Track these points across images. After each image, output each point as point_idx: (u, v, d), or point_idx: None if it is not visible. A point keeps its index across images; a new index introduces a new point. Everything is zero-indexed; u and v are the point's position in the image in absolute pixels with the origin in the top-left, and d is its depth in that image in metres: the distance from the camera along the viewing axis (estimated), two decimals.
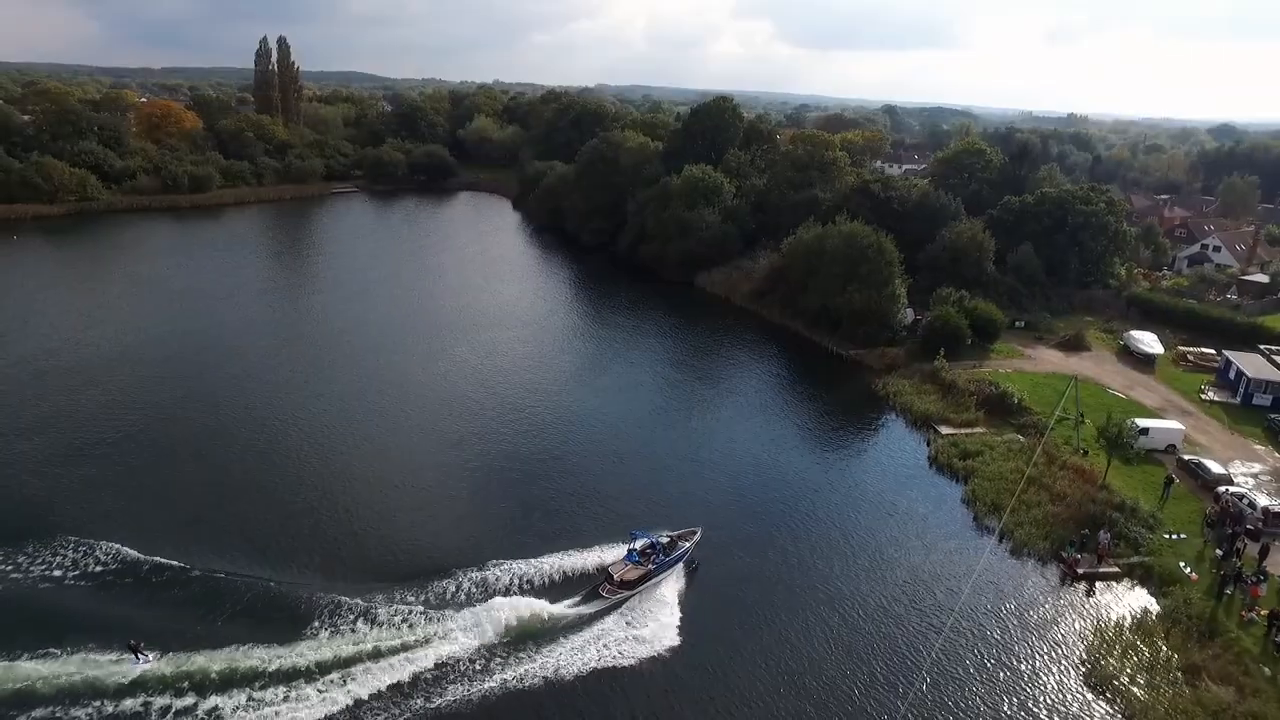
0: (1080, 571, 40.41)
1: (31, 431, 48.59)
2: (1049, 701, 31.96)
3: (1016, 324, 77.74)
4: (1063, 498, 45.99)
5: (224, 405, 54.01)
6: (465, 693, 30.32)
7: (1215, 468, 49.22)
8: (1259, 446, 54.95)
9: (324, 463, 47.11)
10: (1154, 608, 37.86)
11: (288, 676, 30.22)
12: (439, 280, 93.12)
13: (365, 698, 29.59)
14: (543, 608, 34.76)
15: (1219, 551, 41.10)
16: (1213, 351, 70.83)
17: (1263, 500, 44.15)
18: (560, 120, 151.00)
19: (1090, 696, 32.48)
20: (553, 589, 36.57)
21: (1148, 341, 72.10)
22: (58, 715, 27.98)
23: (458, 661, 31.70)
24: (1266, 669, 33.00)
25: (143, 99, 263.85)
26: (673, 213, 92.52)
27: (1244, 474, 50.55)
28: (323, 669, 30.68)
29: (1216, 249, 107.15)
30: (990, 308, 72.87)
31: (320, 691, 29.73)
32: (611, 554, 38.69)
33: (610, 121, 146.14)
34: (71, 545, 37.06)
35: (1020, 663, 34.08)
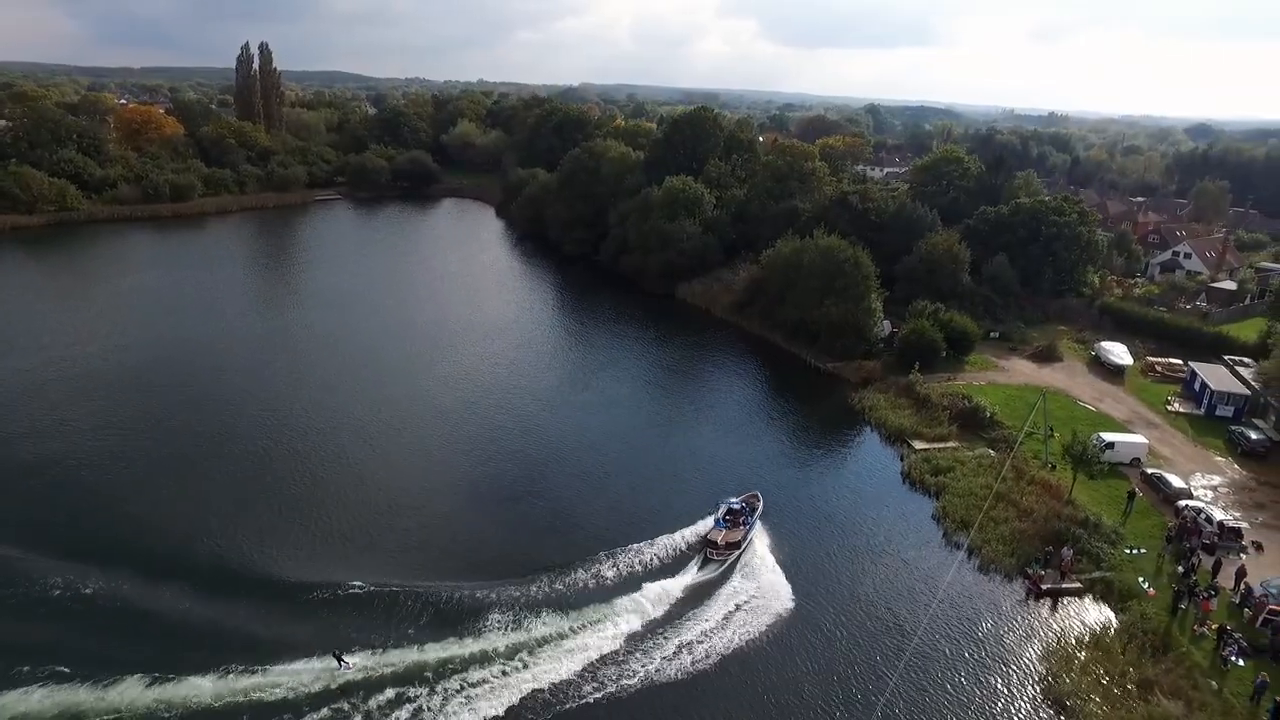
0: (1044, 588, 41.75)
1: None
2: (1009, 717, 33.22)
3: (991, 335, 79.22)
4: (1029, 514, 47.34)
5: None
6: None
7: (1176, 481, 50.76)
8: (1220, 458, 56.59)
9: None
10: (1113, 623, 39.25)
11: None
12: (423, 293, 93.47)
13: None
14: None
15: (1179, 567, 42.59)
16: (1180, 362, 72.51)
17: (1218, 515, 45.67)
18: (543, 126, 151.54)
19: (1049, 713, 33.78)
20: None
21: (1117, 353, 73.73)
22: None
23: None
24: (1214, 682, 34.46)
25: (122, 100, 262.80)
26: (653, 224, 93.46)
27: (1204, 486, 52.15)
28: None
29: (1187, 256, 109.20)
30: (964, 320, 74.26)
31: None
32: (680, 531, 44.76)
33: (593, 129, 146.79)
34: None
35: (982, 680, 35.33)
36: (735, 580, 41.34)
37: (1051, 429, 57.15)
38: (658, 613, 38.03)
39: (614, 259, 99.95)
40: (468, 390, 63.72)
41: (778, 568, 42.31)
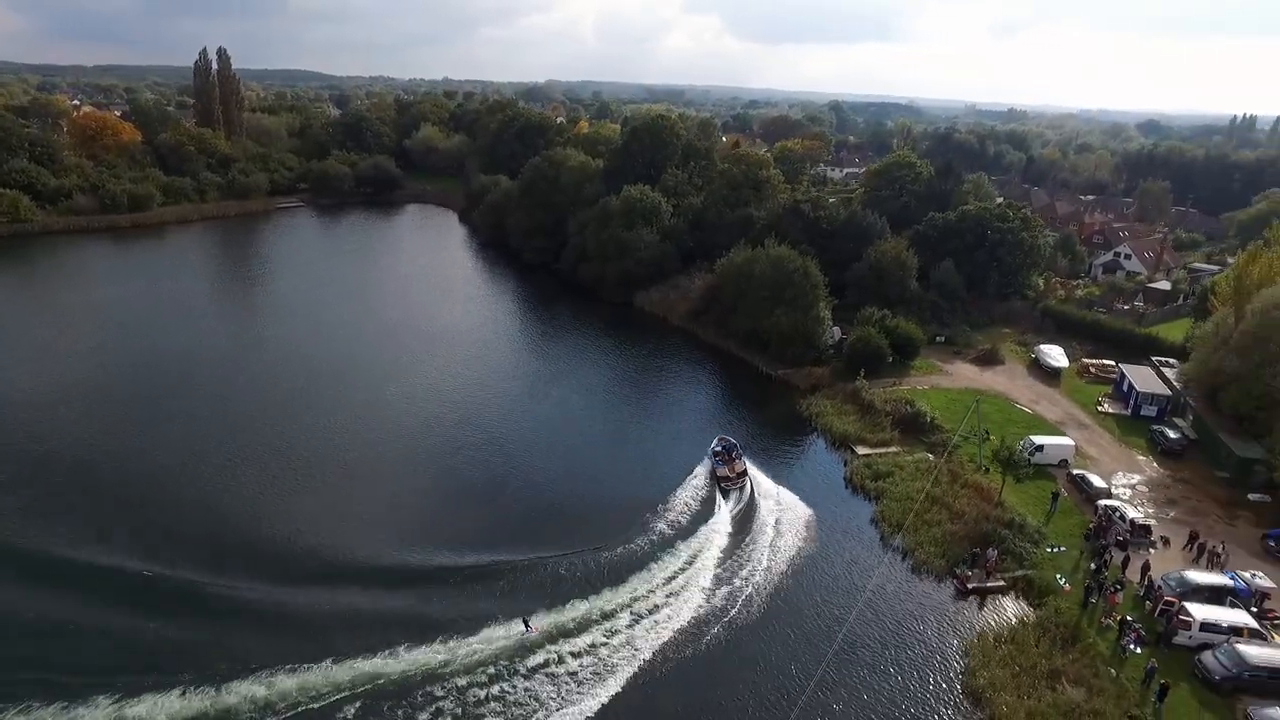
0: (970, 587, 44.59)
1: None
2: (927, 712, 35.90)
3: (938, 339, 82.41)
4: (961, 516, 50.16)
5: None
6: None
7: (1097, 481, 54.03)
8: (1141, 458, 60.08)
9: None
10: (1030, 618, 42.17)
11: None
12: (386, 303, 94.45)
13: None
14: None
15: (1092, 563, 45.69)
16: (1112, 364, 76.18)
17: (1131, 513, 48.94)
18: (506, 131, 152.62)
19: (967, 706, 36.51)
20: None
21: (1054, 355, 77.28)
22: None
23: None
24: (1113, 670, 37.48)
25: (75, 101, 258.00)
26: (612, 233, 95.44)
27: (1124, 485, 55.53)
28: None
29: (1127, 256, 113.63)
30: (910, 326, 77.26)
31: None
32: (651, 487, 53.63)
33: (554, 135, 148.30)
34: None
35: (906, 677, 37.97)
36: (761, 506, 52.34)
37: (987, 432, 60.13)
38: (725, 541, 47.91)
39: (573, 268, 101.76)
40: (436, 404, 65.39)
41: (778, 485, 54.12)
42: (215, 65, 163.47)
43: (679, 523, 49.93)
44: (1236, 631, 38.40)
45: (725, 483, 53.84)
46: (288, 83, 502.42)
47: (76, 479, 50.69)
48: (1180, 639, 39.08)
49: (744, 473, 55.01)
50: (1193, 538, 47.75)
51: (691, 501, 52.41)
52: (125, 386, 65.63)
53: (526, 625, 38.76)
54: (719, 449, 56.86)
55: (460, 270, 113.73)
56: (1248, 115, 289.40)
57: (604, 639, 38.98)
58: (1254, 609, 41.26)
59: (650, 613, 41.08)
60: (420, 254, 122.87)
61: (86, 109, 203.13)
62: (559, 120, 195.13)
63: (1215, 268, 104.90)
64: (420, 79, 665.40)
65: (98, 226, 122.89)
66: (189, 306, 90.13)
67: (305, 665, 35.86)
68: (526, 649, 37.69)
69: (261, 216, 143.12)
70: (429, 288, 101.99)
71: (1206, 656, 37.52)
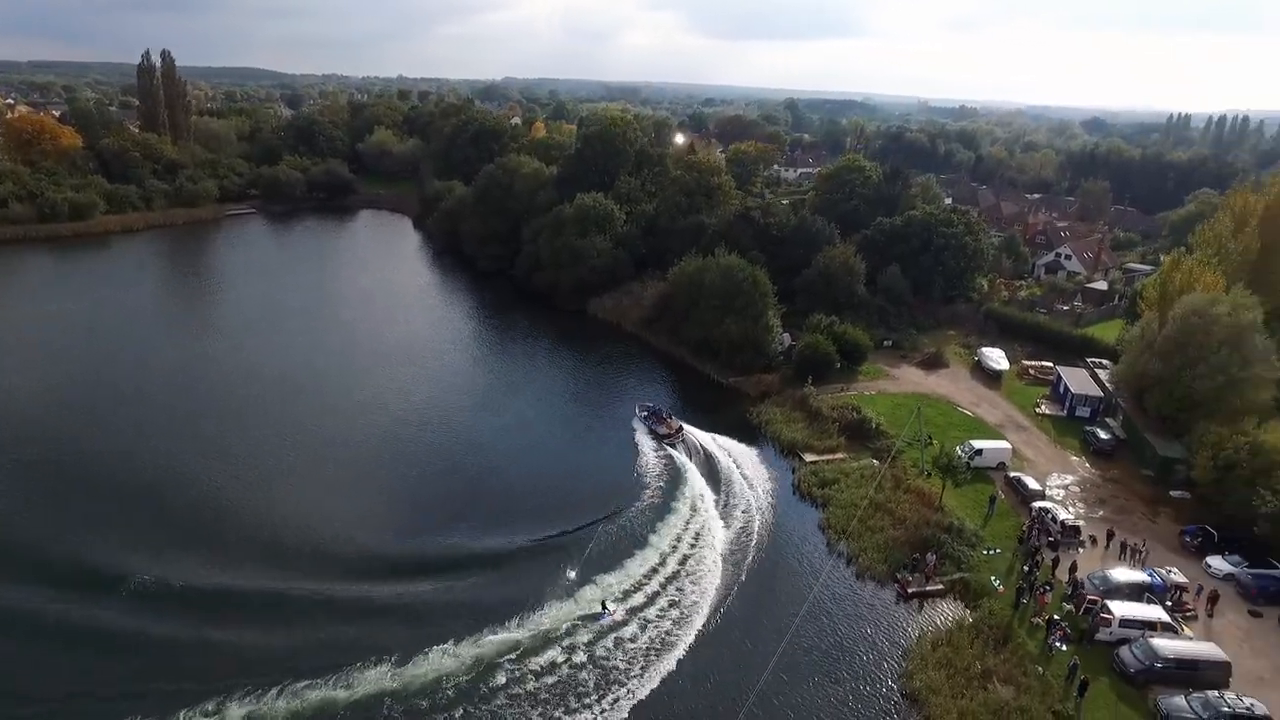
0: (910, 591, 46.39)
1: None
2: (866, 715, 37.51)
3: (885, 343, 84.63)
4: (903, 521, 51.97)
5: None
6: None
7: (1032, 483, 56.39)
8: (1075, 458, 62.76)
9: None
10: (967, 619, 44.09)
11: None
12: (340, 313, 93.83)
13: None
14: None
15: (1025, 566, 47.87)
16: (1051, 365, 79.09)
17: (1062, 514, 51.34)
18: (460, 136, 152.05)
19: (906, 708, 38.21)
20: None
21: (995, 358, 79.92)
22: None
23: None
24: (1040, 668, 39.54)
25: (9, 100, 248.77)
26: (565, 241, 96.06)
27: (1058, 486, 58.00)
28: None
29: (1068, 257, 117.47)
30: (857, 332, 79.28)
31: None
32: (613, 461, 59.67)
33: (509, 140, 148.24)
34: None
35: (847, 683, 39.51)
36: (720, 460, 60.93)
37: (930, 437, 62.20)
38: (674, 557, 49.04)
39: (528, 275, 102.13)
40: (392, 414, 65.57)
41: (728, 494, 56.67)
42: (160, 66, 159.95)
43: (650, 502, 54.30)
44: (1151, 626, 40.79)
45: (667, 440, 61.81)
46: (238, 81, 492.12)
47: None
48: (1102, 635, 41.34)
49: (680, 429, 63.39)
50: (1109, 536, 50.30)
51: (651, 477, 57.55)
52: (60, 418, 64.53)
53: (604, 608, 42.13)
54: (645, 413, 65.06)
55: (416, 279, 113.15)
56: (1182, 114, 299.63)
57: (564, 657, 39.63)
58: (1169, 603, 43.78)
59: (610, 630, 41.78)
60: (375, 262, 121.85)
61: (22, 109, 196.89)
62: (514, 122, 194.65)
63: (1149, 268, 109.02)
64: (375, 77, 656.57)
65: (36, 236, 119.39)
66: (136, 320, 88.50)
67: (426, 650, 39.11)
68: (608, 627, 41.49)
69: (211, 224, 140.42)
70: (384, 298, 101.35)
71: (1123, 651, 39.83)
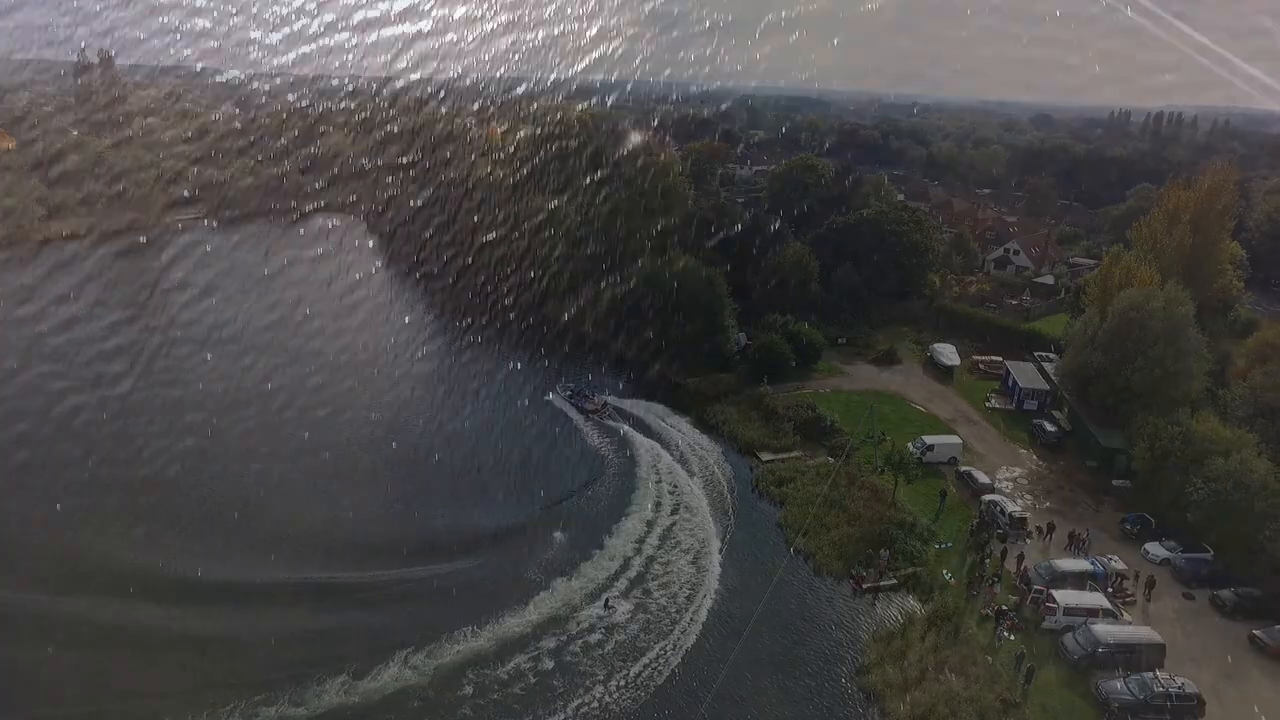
0: (865, 587, 47.40)
1: None
2: (823, 713, 38.27)
3: (839, 341, 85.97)
4: (858, 518, 53.02)
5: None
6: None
7: (982, 477, 57.93)
8: (1023, 451, 64.64)
9: None
10: (920, 613, 45.17)
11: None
12: (295, 326, 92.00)
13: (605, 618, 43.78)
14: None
15: (975, 559, 49.19)
16: (1000, 360, 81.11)
17: (1010, 507, 52.86)
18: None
19: (861, 702, 39.08)
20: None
21: (946, 354, 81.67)
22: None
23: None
24: (989, 658, 40.78)
25: None
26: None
27: (1007, 479, 59.71)
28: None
29: (1016, 252, 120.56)
30: (811, 331, 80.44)
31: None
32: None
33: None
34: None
35: (803, 677, 40.33)
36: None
37: (883, 434, 63.52)
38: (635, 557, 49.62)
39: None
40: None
41: (688, 495, 57.42)
42: (98, 64, 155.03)
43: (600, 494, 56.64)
44: (1093, 613, 42.32)
45: (596, 415, 67.19)
46: (183, 79, 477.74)
47: None
48: (1048, 624, 42.81)
49: (606, 403, 69.23)
50: (1050, 527, 51.92)
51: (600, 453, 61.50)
52: None
53: (606, 605, 43.43)
54: (569, 394, 70.55)
55: (373, 284, 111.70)
56: (1123, 110, 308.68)
57: (528, 664, 40.04)
58: (1110, 589, 45.42)
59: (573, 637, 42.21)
60: (330, 268, 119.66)
61: None
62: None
63: (1093, 261, 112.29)
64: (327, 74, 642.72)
65: None
66: (79, 337, 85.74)
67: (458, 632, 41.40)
68: (613, 625, 42.80)
69: (155, 231, 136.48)
70: (342, 305, 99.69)
71: (1067, 638, 41.31)
